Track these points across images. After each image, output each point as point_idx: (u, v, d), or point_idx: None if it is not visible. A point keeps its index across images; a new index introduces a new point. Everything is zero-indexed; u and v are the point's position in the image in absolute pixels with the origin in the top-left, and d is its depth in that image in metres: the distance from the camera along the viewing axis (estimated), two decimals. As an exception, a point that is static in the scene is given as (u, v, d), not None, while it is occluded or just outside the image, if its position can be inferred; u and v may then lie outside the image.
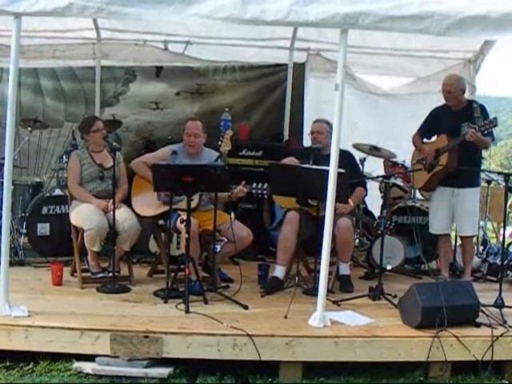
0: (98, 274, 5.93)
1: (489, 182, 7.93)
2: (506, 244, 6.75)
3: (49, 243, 6.89)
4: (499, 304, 5.26)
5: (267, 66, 8.60)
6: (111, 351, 4.40)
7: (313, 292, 5.32)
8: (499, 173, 7.64)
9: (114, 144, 5.92)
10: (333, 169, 4.71)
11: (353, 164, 6.32)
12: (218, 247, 5.88)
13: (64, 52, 8.19)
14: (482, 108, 6.32)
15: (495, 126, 6.05)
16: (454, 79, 6.44)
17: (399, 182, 7.28)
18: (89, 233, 5.68)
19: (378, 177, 7.03)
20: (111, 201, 5.73)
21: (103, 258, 6.08)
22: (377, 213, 7.48)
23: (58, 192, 7.03)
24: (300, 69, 8.57)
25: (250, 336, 4.44)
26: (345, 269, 6.06)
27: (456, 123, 6.28)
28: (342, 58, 4.63)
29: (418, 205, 7.24)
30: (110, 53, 8.33)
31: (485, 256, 7.22)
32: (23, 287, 5.52)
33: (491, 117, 6.19)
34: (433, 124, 6.56)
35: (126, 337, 4.41)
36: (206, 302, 5.27)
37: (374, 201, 7.73)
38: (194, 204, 5.52)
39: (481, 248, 7.77)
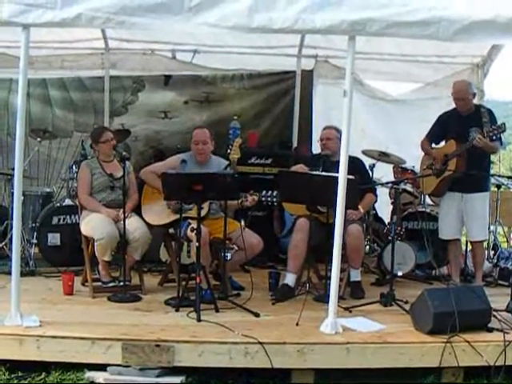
0: (108, 284, 5.93)
1: (498, 187, 7.90)
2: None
3: (59, 253, 6.90)
4: (511, 309, 5.24)
5: (275, 73, 8.62)
6: (123, 360, 4.39)
7: (324, 299, 5.30)
8: (509, 177, 7.63)
9: (124, 153, 5.94)
10: (342, 175, 4.70)
11: (362, 170, 6.30)
12: (229, 255, 5.86)
13: (72, 62, 8.25)
14: (490, 112, 6.30)
15: (503, 131, 6.02)
16: (464, 85, 6.38)
17: (409, 187, 7.26)
18: (99, 242, 5.69)
19: (387, 183, 7.01)
20: (121, 210, 5.74)
21: (114, 267, 6.07)
22: (387, 219, 7.47)
23: (68, 202, 7.05)
24: (308, 76, 8.57)
25: (261, 344, 4.43)
26: (356, 275, 6.06)
27: (464, 128, 6.25)
28: (350, 65, 4.64)
29: (427, 210, 7.22)
30: (118, 62, 8.38)
31: (496, 261, 7.20)
32: (34, 297, 5.53)
33: (499, 121, 6.18)
34: (441, 129, 6.54)
35: (137, 346, 4.40)
36: (217, 310, 5.26)
37: (383, 207, 7.72)
38: (203, 212, 5.52)
39: (491, 253, 7.74)
